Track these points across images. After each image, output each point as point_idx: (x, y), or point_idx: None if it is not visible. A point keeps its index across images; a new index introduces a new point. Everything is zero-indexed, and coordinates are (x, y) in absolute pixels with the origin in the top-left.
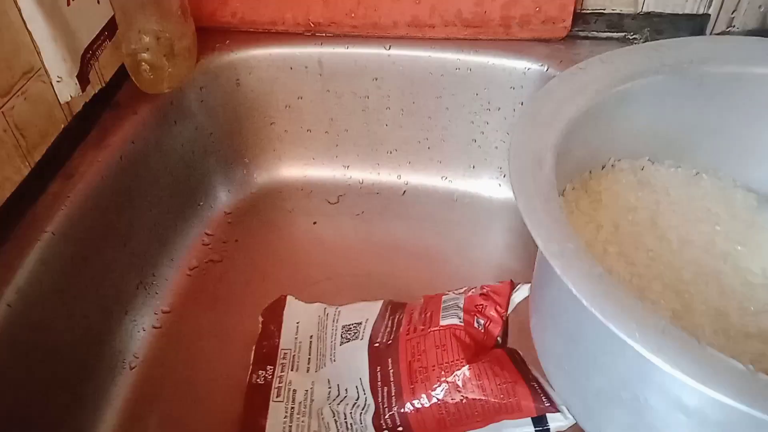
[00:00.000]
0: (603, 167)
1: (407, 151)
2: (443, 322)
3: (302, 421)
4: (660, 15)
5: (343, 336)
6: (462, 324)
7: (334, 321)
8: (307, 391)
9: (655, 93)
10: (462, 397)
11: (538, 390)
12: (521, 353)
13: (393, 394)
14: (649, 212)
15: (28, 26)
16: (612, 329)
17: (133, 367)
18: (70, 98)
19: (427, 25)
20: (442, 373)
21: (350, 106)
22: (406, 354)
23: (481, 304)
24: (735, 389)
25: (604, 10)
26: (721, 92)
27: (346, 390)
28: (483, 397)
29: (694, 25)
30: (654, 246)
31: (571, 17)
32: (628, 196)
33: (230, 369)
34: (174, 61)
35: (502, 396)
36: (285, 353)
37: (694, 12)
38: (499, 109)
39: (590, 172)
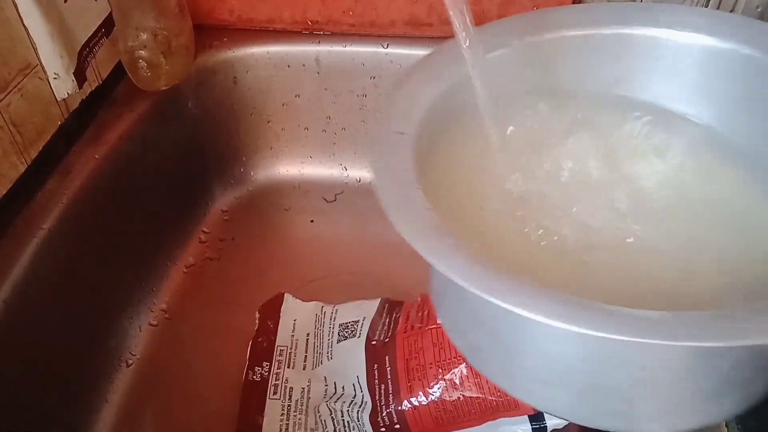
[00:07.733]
0: None
1: None
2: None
3: (299, 419)
4: None
5: (341, 334)
6: None
7: (331, 319)
8: (303, 388)
9: None
10: (459, 395)
11: None
12: None
13: (390, 391)
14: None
15: (25, 22)
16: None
17: (130, 365)
18: (66, 95)
19: (424, 24)
20: (440, 370)
21: (348, 104)
22: (403, 352)
23: None
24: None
25: None
26: None
27: (343, 388)
28: (480, 395)
29: None
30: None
31: None
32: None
33: (227, 366)
34: (171, 58)
35: (499, 393)
36: (281, 350)
37: None
38: None
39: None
